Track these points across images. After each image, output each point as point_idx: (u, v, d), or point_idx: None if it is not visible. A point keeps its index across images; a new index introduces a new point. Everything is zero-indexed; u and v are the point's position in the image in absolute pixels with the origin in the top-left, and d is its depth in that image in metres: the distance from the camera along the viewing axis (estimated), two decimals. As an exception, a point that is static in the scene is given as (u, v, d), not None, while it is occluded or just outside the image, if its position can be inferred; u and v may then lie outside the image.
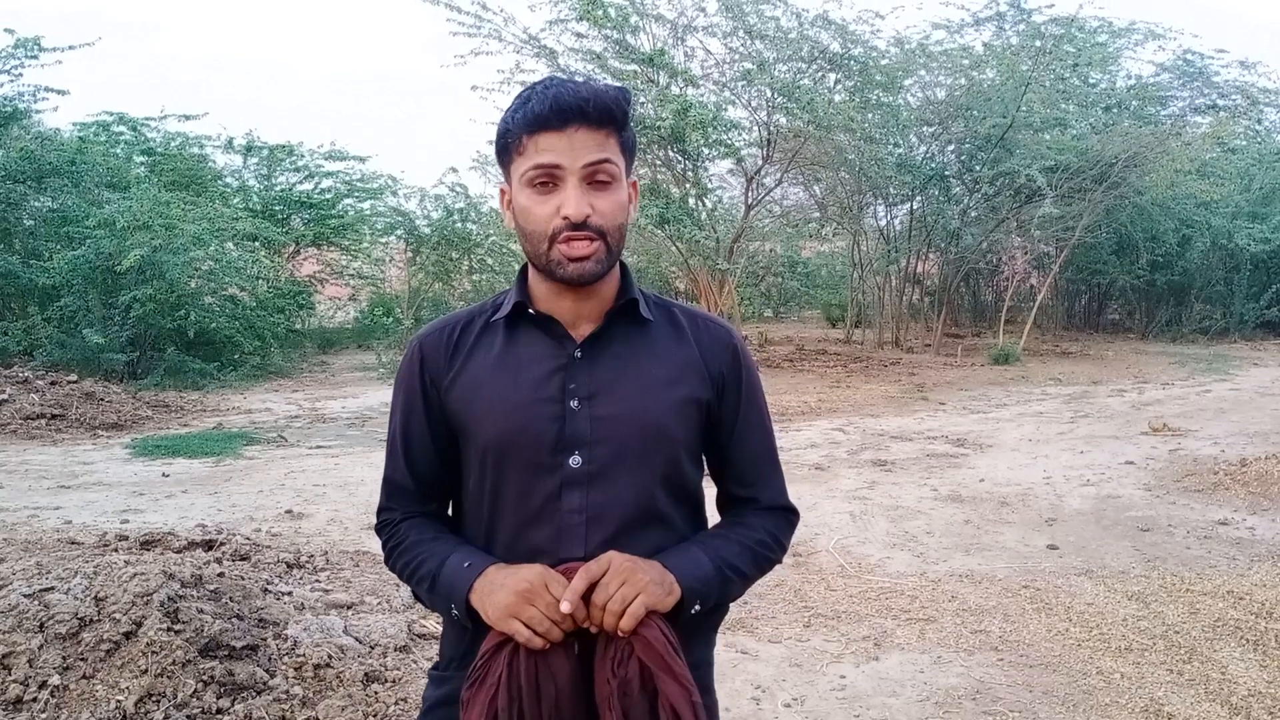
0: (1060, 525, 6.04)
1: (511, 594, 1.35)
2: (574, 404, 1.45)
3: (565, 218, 1.37)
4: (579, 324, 1.49)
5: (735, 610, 4.39)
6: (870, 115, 14.43)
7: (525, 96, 1.41)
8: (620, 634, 1.35)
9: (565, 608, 1.34)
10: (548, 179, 1.38)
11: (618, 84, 1.51)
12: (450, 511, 1.62)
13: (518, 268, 1.58)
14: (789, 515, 1.62)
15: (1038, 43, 15.54)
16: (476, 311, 1.57)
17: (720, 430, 1.56)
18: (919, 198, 16.69)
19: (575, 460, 1.44)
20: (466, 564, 1.44)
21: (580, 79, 1.47)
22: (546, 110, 1.37)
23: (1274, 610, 4.48)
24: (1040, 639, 4.21)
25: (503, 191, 1.50)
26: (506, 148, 1.43)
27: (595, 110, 1.38)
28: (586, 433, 1.45)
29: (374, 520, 1.63)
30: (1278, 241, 17.60)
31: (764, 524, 1.57)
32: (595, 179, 1.39)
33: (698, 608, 1.43)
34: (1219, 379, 13.36)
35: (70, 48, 13.36)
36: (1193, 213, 17.75)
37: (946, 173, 16.62)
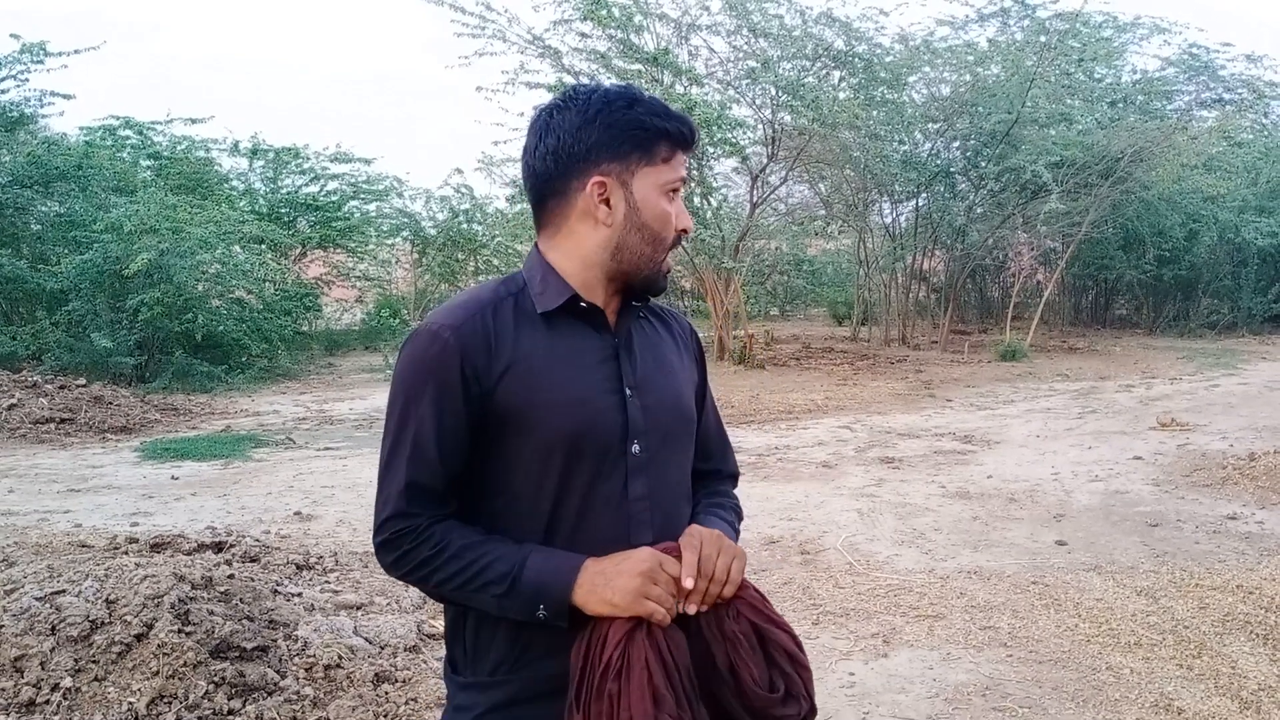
0: (1069, 521, 6.03)
1: (636, 577, 1.39)
2: (629, 393, 1.50)
3: (683, 230, 1.53)
4: (607, 315, 1.55)
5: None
6: (875, 112, 14.40)
7: (660, 109, 1.49)
8: (724, 600, 1.44)
9: (689, 583, 1.41)
10: (674, 192, 1.52)
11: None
12: (470, 509, 1.53)
13: (532, 261, 1.58)
14: (737, 479, 1.81)
15: (1042, 38, 15.49)
16: (495, 297, 1.50)
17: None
18: (924, 195, 16.65)
19: (636, 448, 1.49)
20: (553, 561, 1.42)
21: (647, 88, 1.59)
22: (689, 133, 1.50)
23: (1284, 605, 4.47)
24: (1049, 635, 4.20)
25: (604, 183, 1.47)
26: (649, 149, 1.48)
27: (694, 140, 1.54)
28: (641, 420, 1.50)
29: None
30: (1285, 236, 17.54)
31: (729, 490, 1.75)
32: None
33: None
34: (1227, 373, 13.33)
35: (75, 51, 13.41)
36: (1199, 207, 17.69)
37: (952, 169, 16.58)
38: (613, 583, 1.39)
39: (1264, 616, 4.34)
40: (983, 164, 15.82)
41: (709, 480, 1.72)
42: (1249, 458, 7.34)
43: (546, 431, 1.44)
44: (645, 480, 1.50)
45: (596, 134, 1.45)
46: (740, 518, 1.72)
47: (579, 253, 1.50)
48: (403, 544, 1.44)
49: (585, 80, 12.41)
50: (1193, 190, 17.05)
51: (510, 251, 16.59)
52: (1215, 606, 4.48)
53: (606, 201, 1.47)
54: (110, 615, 3.09)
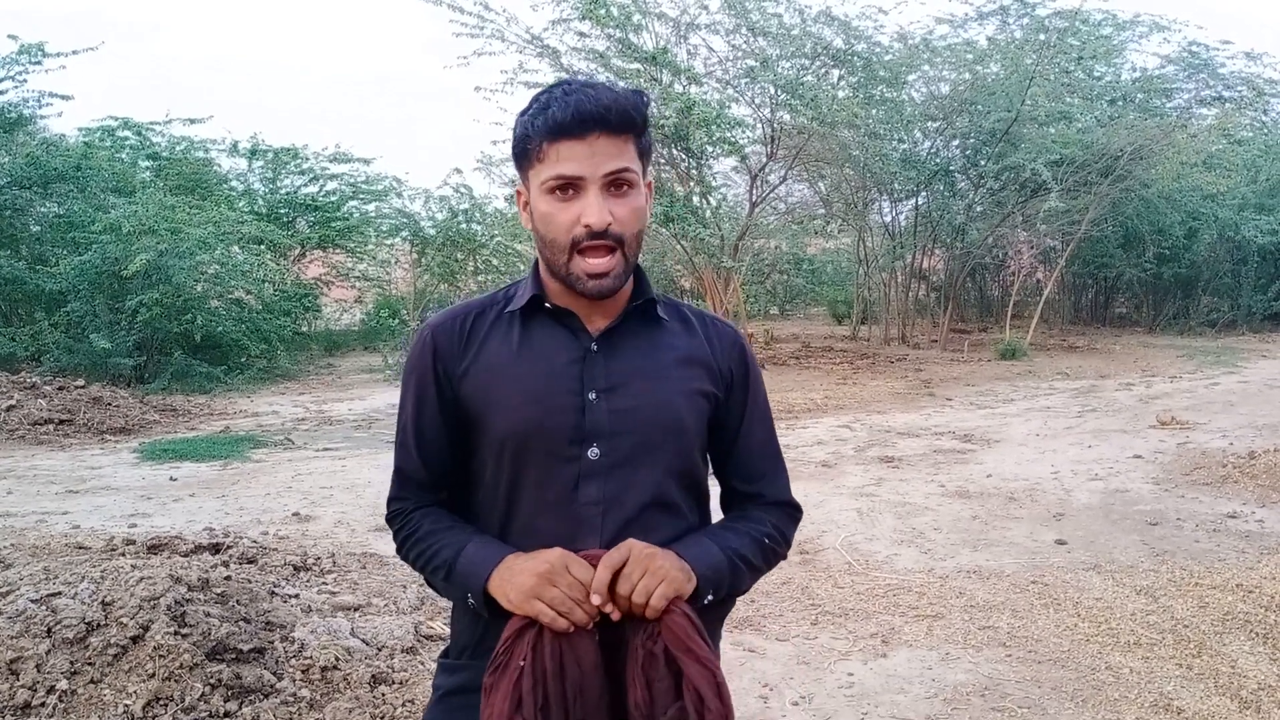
0: (1068, 520, 6.02)
1: (533, 576, 1.37)
2: (592, 396, 1.47)
3: (587, 226, 1.39)
4: (594, 318, 1.52)
5: (743, 608, 4.38)
6: (874, 111, 14.39)
7: (544, 102, 1.41)
8: (646, 619, 1.38)
9: (596, 600, 1.36)
10: (569, 187, 1.40)
11: (634, 87, 1.51)
12: (460, 500, 1.62)
13: (524, 268, 1.60)
14: (793, 511, 1.65)
15: (1042, 36, 15.49)
16: (488, 302, 1.58)
17: (726, 427, 1.60)
18: (924, 193, 16.65)
19: (593, 452, 1.46)
20: (484, 552, 1.45)
21: (596, 80, 1.48)
22: (568, 118, 1.37)
23: (1284, 603, 4.46)
24: (1049, 634, 4.19)
25: (519, 193, 1.52)
26: (526, 153, 1.44)
27: (616, 118, 1.40)
28: (605, 425, 1.47)
29: (382, 520, 1.64)
30: (1285, 233, 17.53)
31: (769, 518, 1.59)
32: (615, 186, 1.41)
33: (710, 597, 1.45)
34: (1227, 371, 13.32)
35: (74, 52, 13.39)
36: (1199, 205, 17.69)
37: (951, 168, 16.57)
38: (513, 579, 1.39)
39: (1264, 615, 4.33)
40: (982, 162, 15.81)
41: (747, 504, 1.62)
42: (1249, 456, 7.33)
43: (498, 428, 1.48)
44: (601, 485, 1.46)
45: (515, 147, 1.50)
46: (768, 550, 1.56)
47: None
48: (393, 525, 1.58)
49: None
50: (1192, 188, 17.04)
51: (510, 251, 16.57)
52: (1215, 605, 4.47)
53: (526, 209, 1.50)
54: (106, 617, 3.08)
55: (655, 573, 1.37)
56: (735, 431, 1.60)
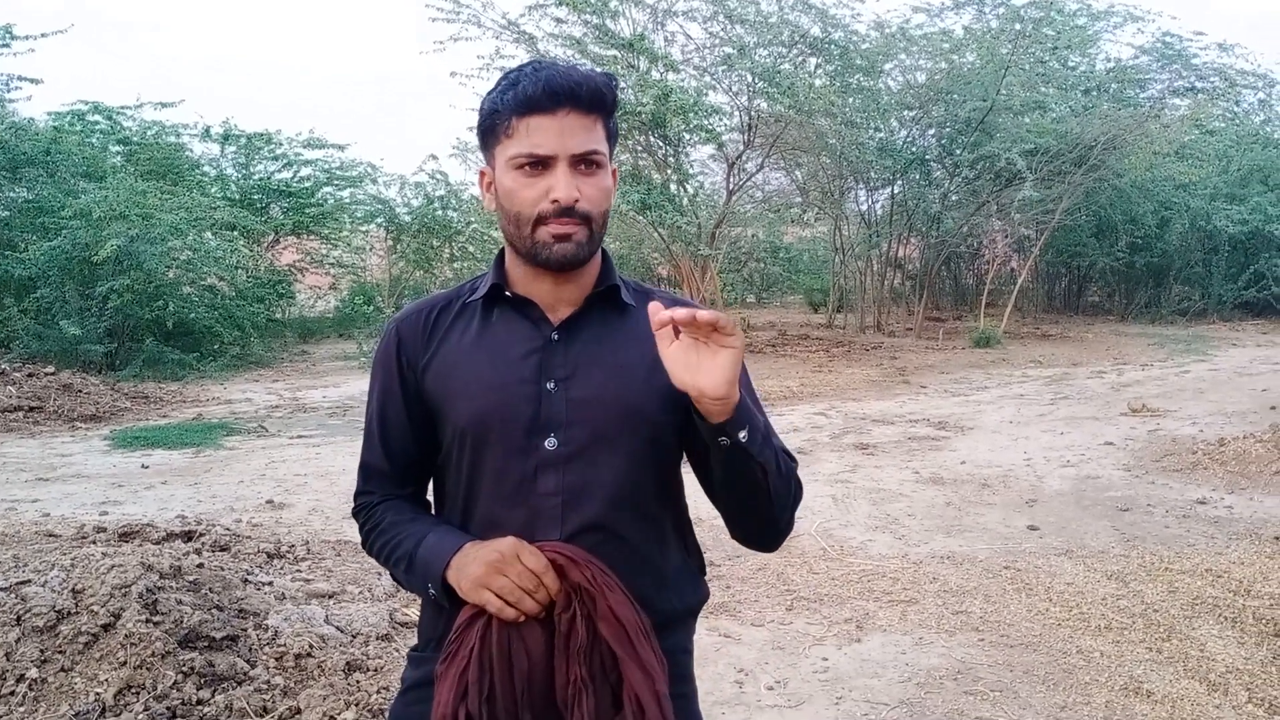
0: (1040, 506, 6.08)
1: (482, 564, 1.35)
2: (550, 386, 1.44)
3: (555, 201, 1.37)
4: (557, 307, 1.48)
5: (719, 595, 4.40)
6: (851, 99, 14.42)
7: (513, 79, 1.40)
8: (592, 595, 1.31)
9: (549, 581, 1.34)
10: (538, 164, 1.38)
11: (603, 70, 1.49)
12: (430, 494, 1.62)
13: (495, 255, 1.57)
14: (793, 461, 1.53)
15: (1017, 26, 15.54)
16: (454, 294, 1.57)
17: None
18: (900, 182, 16.70)
19: (551, 442, 1.43)
20: (443, 542, 1.43)
21: (563, 63, 1.45)
22: (539, 92, 1.36)
23: (1252, 588, 4.52)
24: (1021, 619, 4.23)
25: (483, 174, 1.49)
26: (493, 129, 1.42)
27: (587, 94, 1.38)
28: (563, 415, 1.44)
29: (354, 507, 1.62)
30: (1255, 223, 17.70)
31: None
32: (584, 164, 1.40)
33: (745, 436, 1.34)
34: (1197, 360, 13.46)
35: (42, 35, 13.22)
36: (1171, 195, 17.84)
37: (927, 157, 16.63)
38: (465, 568, 1.37)
39: (1232, 600, 4.39)
40: (958, 151, 15.88)
41: None
42: (1218, 443, 7.42)
43: (457, 419, 1.47)
44: (560, 476, 1.43)
45: (476, 125, 1.48)
46: (787, 467, 1.45)
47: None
48: (359, 517, 1.58)
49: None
50: (1165, 178, 17.18)
51: (486, 239, 16.49)
52: (1184, 590, 4.53)
53: (490, 189, 1.48)
54: (77, 605, 3.05)
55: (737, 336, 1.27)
56: None
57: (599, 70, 1.45)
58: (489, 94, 1.43)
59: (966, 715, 3.39)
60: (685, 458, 1.56)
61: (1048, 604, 4.40)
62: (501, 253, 1.54)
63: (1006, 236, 16.25)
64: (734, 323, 1.26)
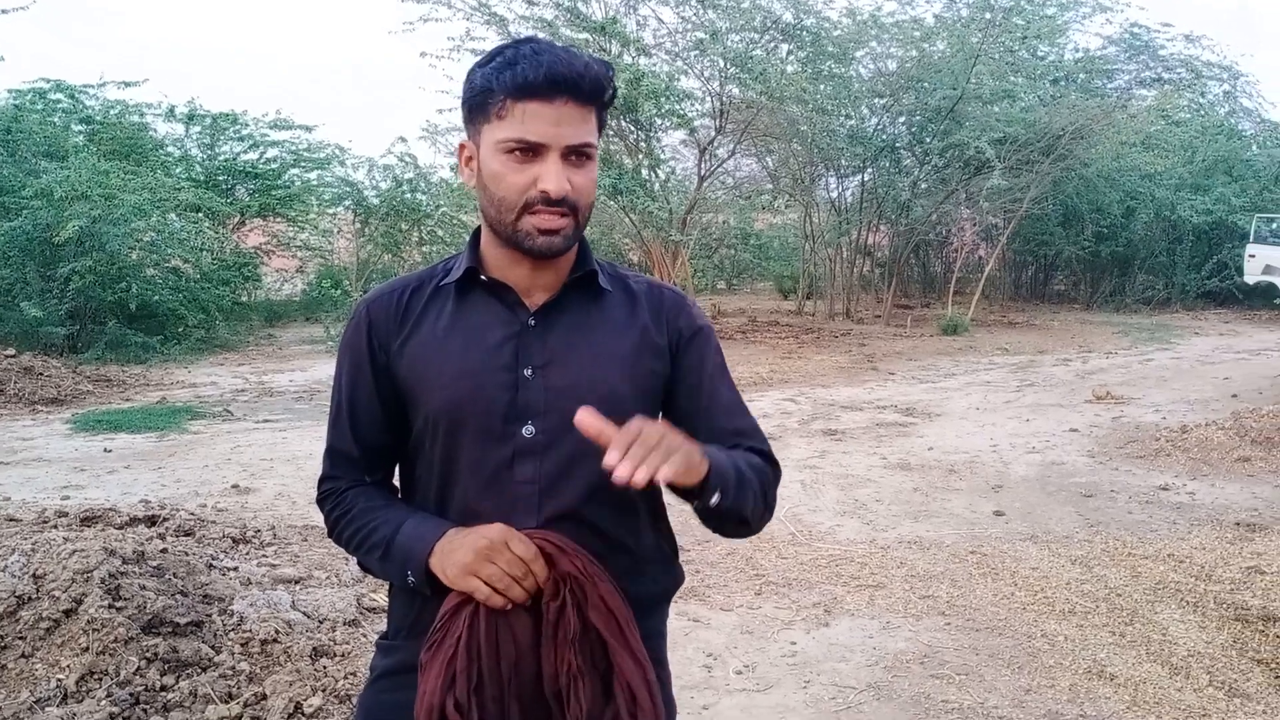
0: (1006, 492, 6.13)
1: (471, 551, 1.33)
2: (527, 373, 1.42)
3: (544, 191, 1.34)
4: (533, 292, 1.46)
5: (688, 579, 4.40)
6: (822, 86, 14.41)
7: (510, 57, 1.34)
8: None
9: (537, 569, 1.32)
10: (529, 150, 1.34)
11: (598, 58, 1.44)
12: (397, 480, 1.58)
13: (467, 238, 1.54)
14: (775, 470, 1.54)
15: (987, 15, 15.60)
16: (426, 276, 1.53)
17: (687, 388, 1.51)
18: (870, 169, 16.76)
19: (528, 430, 1.41)
20: (422, 529, 1.41)
21: (560, 47, 1.38)
22: (540, 79, 1.31)
23: (1213, 573, 4.59)
24: (986, 603, 4.27)
25: (463, 146, 1.44)
26: (484, 106, 1.36)
27: (589, 86, 1.34)
28: (540, 402, 1.42)
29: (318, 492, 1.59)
30: (1219, 213, 17.95)
31: (759, 462, 1.50)
32: (575, 155, 1.36)
33: (716, 499, 1.32)
34: (1161, 348, 13.63)
35: (2, 12, 12.90)
36: (1137, 185, 18.04)
37: (897, 144, 16.70)
38: (451, 555, 1.35)
39: (1194, 585, 4.46)
40: (927, 139, 15.95)
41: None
42: (1181, 430, 7.52)
43: (431, 406, 1.44)
44: (537, 464, 1.41)
45: (462, 95, 1.42)
46: (762, 483, 1.45)
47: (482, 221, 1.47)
48: (325, 504, 1.54)
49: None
50: (1131, 168, 17.38)
51: (455, 222, 16.37)
52: (1147, 575, 4.59)
53: (469, 164, 1.43)
54: (38, 590, 3.00)
55: (669, 446, 1.23)
56: (698, 390, 1.50)
57: (597, 58, 1.40)
58: (481, 67, 1.37)
59: (933, 698, 3.42)
60: None
61: (1013, 588, 4.45)
62: (476, 234, 1.50)
63: (975, 225, 16.37)
64: (652, 435, 1.22)
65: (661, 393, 1.51)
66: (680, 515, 1.60)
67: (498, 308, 1.46)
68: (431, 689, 1.32)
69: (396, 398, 1.48)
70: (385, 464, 1.55)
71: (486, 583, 1.32)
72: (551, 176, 1.34)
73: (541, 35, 12.17)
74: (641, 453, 1.21)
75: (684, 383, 1.51)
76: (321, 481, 1.55)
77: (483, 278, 1.46)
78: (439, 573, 1.37)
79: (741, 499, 1.39)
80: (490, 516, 1.40)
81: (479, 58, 1.41)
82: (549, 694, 1.34)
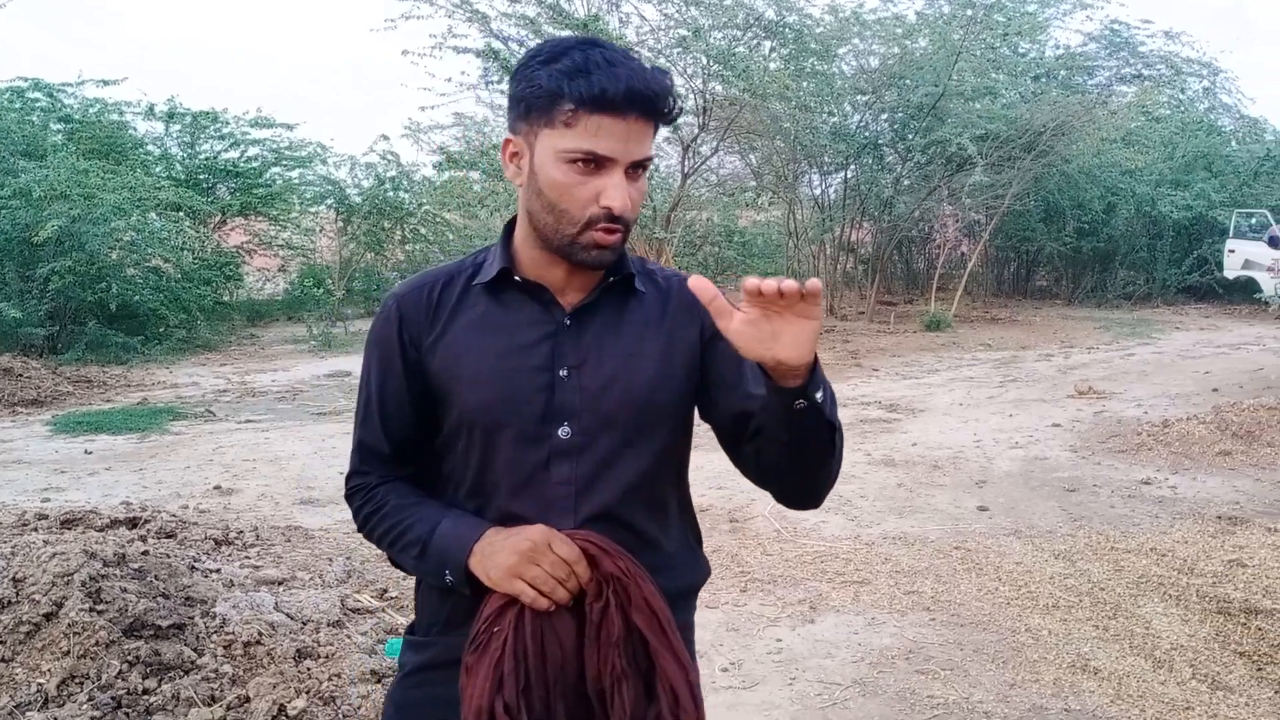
0: (990, 487, 6.16)
1: (514, 554, 1.32)
2: (563, 373, 1.41)
3: (607, 208, 1.32)
4: (567, 292, 1.44)
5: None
6: (805, 83, 14.43)
7: (580, 63, 1.29)
8: (764, 292, 1.16)
9: (580, 570, 1.32)
10: (593, 161, 1.32)
11: (660, 67, 1.41)
12: (425, 474, 1.56)
13: (452, 237, 1.53)
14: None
15: (969, 12, 15.66)
16: (455, 270, 1.50)
17: (726, 371, 1.45)
18: (853, 166, 16.79)
19: (564, 431, 1.40)
20: (460, 528, 1.40)
21: (621, 53, 1.34)
22: (619, 94, 1.28)
23: (1195, 566, 4.62)
24: (971, 598, 4.29)
25: (509, 142, 1.41)
26: (548, 110, 1.32)
27: (662, 105, 1.33)
28: (575, 403, 1.41)
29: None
30: (1199, 208, 18.06)
31: None
32: (634, 169, 1.35)
33: (820, 396, 1.26)
34: (1142, 343, 13.72)
35: (-23, 8, 12.79)
36: (1118, 181, 18.14)
37: (880, 141, 16.73)
38: (493, 556, 1.35)
39: (1176, 578, 4.48)
40: (910, 136, 15.99)
41: None
42: (1162, 424, 7.56)
43: (466, 405, 1.42)
44: (573, 465, 1.40)
45: (513, 90, 1.38)
46: (838, 428, 1.36)
47: (520, 219, 1.45)
48: (354, 500, 1.53)
49: (515, 46, 12.24)
50: (1111, 164, 17.46)
51: (438, 220, 16.31)
52: (1130, 569, 4.62)
53: (516, 160, 1.41)
54: (18, 594, 2.98)
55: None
56: (740, 359, 1.35)
57: (662, 70, 1.36)
58: (542, 66, 1.32)
59: (918, 694, 3.43)
60: (716, 439, 1.50)
61: (997, 583, 4.47)
62: (508, 230, 1.48)
63: (957, 221, 16.39)
64: (820, 290, 1.18)
65: (694, 391, 1.49)
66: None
67: (533, 307, 1.44)
68: (479, 691, 1.31)
69: (427, 394, 1.47)
70: (415, 459, 1.52)
71: (531, 585, 1.32)
72: (618, 194, 1.32)
73: (519, 34, 12.17)
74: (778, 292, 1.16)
75: (725, 355, 1.42)
76: (350, 477, 1.53)
77: (517, 278, 1.44)
78: (480, 574, 1.36)
79: (835, 412, 1.33)
80: (527, 518, 1.39)
81: (532, 50, 1.37)
82: (592, 694, 1.34)
